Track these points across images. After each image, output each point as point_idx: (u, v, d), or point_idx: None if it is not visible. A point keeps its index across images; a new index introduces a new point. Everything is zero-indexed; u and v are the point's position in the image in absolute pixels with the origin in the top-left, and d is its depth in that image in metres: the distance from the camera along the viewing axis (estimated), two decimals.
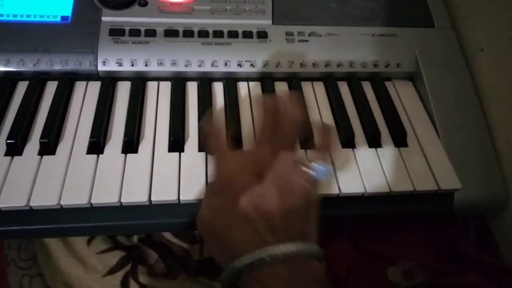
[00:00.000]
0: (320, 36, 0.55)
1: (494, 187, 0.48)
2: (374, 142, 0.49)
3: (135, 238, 0.53)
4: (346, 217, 0.46)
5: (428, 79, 0.54)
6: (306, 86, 0.54)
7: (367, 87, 0.55)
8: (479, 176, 0.48)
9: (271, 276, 0.31)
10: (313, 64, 0.54)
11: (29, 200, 0.41)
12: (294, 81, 0.54)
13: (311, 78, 0.55)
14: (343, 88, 0.55)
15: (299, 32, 0.55)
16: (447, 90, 0.53)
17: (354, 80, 0.55)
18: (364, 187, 0.45)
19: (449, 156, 0.48)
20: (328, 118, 0.51)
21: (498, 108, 0.52)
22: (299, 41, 0.55)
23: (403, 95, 0.55)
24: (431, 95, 0.53)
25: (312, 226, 0.36)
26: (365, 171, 0.46)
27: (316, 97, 0.53)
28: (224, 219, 0.34)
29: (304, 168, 0.36)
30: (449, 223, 0.52)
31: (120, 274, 0.49)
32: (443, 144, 0.49)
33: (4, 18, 0.53)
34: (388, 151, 0.48)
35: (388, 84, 0.56)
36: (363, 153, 0.48)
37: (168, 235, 0.53)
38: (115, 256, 0.50)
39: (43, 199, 0.41)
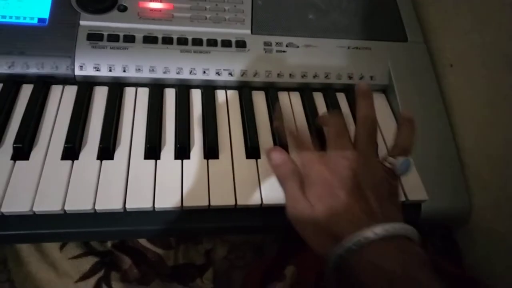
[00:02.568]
0: (298, 47, 0.57)
1: (459, 199, 0.51)
2: None
3: (109, 244, 0.53)
4: None
5: (400, 92, 0.56)
6: (283, 96, 0.56)
7: (341, 98, 0.57)
8: (445, 188, 0.51)
9: (381, 254, 0.32)
10: (290, 74, 0.55)
11: (0, 206, 0.40)
12: (271, 90, 0.55)
13: (288, 88, 0.56)
14: (319, 99, 0.56)
15: (277, 43, 0.56)
16: (417, 103, 0.56)
17: (329, 91, 0.57)
18: None
19: (417, 168, 0.50)
20: (303, 127, 0.52)
21: (464, 122, 0.54)
22: (277, 51, 0.56)
23: (376, 107, 0.56)
24: (401, 107, 0.55)
25: (401, 213, 0.38)
26: None
27: (292, 107, 0.55)
28: (328, 204, 0.36)
29: (387, 164, 0.40)
30: None
31: (92, 280, 0.49)
32: (412, 156, 0.51)
33: None
34: None
35: None
36: None
37: (142, 241, 0.53)
38: (88, 262, 0.50)
39: (15, 205, 0.41)
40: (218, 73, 0.54)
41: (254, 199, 0.45)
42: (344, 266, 0.34)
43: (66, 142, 0.46)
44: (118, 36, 0.53)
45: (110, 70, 0.52)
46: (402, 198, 0.47)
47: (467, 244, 0.53)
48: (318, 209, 0.36)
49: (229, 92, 0.55)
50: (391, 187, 0.39)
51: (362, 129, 0.43)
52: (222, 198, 0.44)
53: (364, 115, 0.44)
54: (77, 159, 0.45)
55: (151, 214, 0.44)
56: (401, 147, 0.42)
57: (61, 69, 0.51)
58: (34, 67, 0.50)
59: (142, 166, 0.46)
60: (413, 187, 0.48)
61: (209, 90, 0.54)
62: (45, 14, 0.53)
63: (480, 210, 0.50)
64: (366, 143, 0.42)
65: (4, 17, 0.52)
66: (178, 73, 0.53)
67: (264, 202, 0.45)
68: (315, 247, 0.37)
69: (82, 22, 0.53)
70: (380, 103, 0.57)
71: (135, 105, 0.52)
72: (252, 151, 0.48)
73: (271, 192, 0.45)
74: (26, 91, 0.50)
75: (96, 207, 0.42)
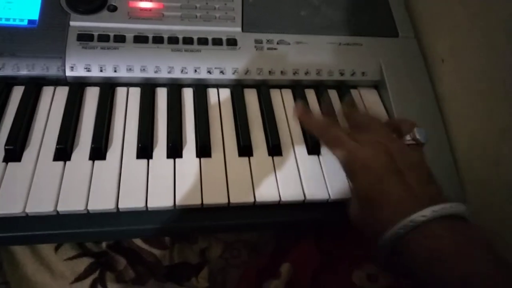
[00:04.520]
0: (289, 44, 0.57)
1: (452, 195, 0.50)
2: None
3: (103, 244, 0.53)
4: (310, 222, 0.48)
5: (391, 87, 0.56)
6: (275, 93, 0.56)
7: (333, 95, 0.57)
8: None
9: (431, 237, 0.33)
10: (281, 71, 0.55)
11: None
12: (263, 88, 0.55)
13: (280, 86, 0.56)
14: (311, 96, 0.56)
15: (268, 40, 0.56)
16: (409, 99, 0.56)
17: (321, 88, 0.57)
18: (329, 194, 0.46)
19: None
20: (295, 124, 0.52)
21: (456, 116, 0.54)
22: (268, 49, 0.56)
23: (368, 103, 0.56)
24: (394, 103, 0.55)
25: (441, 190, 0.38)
26: (329, 177, 0.47)
27: (284, 104, 0.55)
28: (379, 188, 0.37)
29: (408, 141, 0.41)
30: None
31: (88, 281, 0.49)
32: None
33: None
34: None
35: (354, 92, 0.57)
36: (329, 159, 0.49)
37: (137, 241, 0.53)
38: (83, 263, 0.50)
39: (8, 206, 0.41)
40: (209, 72, 0.54)
41: (247, 197, 0.45)
42: (394, 248, 0.34)
43: (58, 143, 0.46)
44: (108, 36, 0.53)
45: (101, 71, 0.52)
46: None
47: None
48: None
49: (221, 90, 0.55)
50: (427, 168, 0.39)
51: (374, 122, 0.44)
52: (215, 196, 0.44)
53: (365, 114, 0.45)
54: (69, 159, 0.45)
55: (144, 214, 0.44)
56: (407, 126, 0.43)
57: (52, 70, 0.51)
58: (24, 69, 0.50)
59: (135, 166, 0.46)
60: None
61: (200, 88, 0.54)
62: (35, 16, 0.53)
63: (474, 207, 0.50)
64: (385, 132, 0.42)
65: None
66: (169, 72, 0.53)
67: (257, 199, 0.45)
68: (369, 231, 0.38)
69: (72, 23, 0.53)
70: (372, 98, 0.57)
71: (127, 105, 0.52)
72: (245, 149, 0.48)
73: (264, 189, 0.46)
74: (17, 92, 0.50)
75: (89, 208, 0.42)
